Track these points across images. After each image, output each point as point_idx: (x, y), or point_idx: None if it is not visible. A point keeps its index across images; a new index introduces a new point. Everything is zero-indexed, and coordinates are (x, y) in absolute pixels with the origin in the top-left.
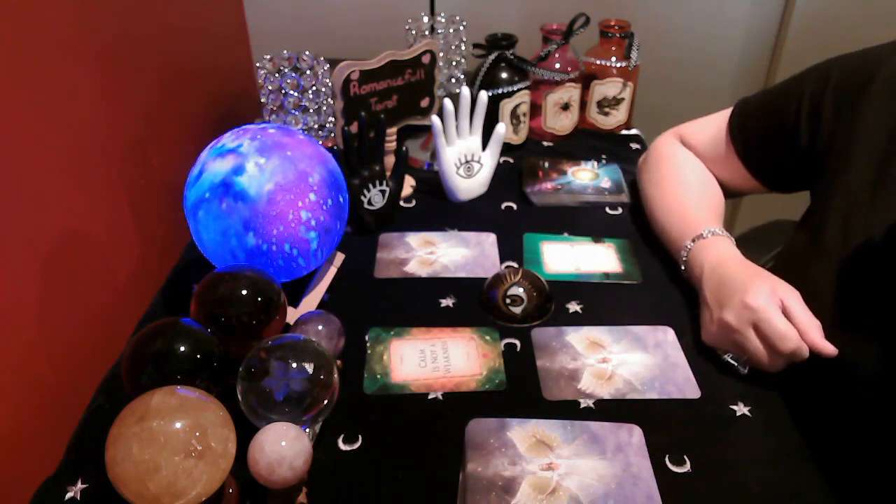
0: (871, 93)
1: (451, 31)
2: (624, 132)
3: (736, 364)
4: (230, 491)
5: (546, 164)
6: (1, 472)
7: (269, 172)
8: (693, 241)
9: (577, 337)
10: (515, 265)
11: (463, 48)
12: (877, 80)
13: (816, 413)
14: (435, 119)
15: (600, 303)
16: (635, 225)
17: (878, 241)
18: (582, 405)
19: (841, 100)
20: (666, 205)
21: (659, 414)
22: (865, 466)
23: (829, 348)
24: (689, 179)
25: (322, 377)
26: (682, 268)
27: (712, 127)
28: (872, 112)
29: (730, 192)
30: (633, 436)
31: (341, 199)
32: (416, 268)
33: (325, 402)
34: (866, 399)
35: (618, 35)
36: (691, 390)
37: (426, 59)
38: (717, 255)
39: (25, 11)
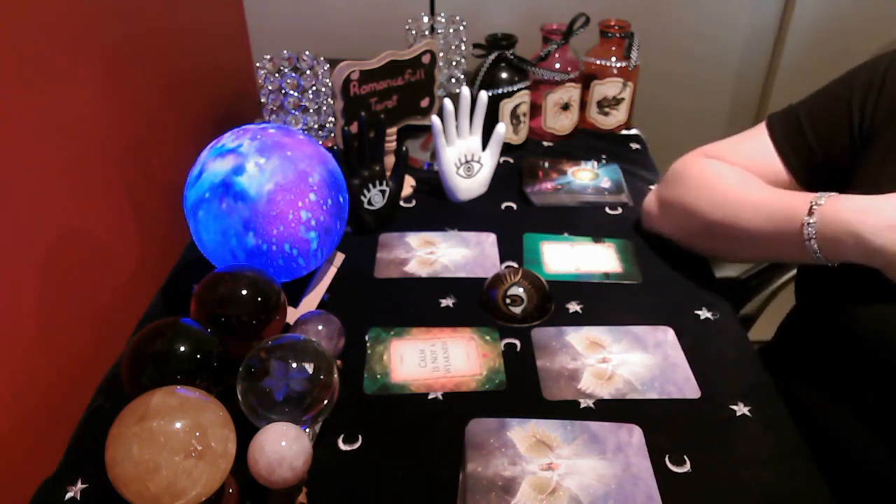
0: None
1: (451, 31)
2: (624, 132)
3: None
4: (230, 491)
5: (546, 164)
6: (1, 472)
7: (269, 172)
8: (810, 214)
9: (577, 337)
10: (515, 265)
11: (463, 48)
12: None
13: (817, 413)
14: (435, 119)
15: (600, 303)
16: (635, 225)
17: None
18: (582, 405)
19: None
20: (736, 201)
21: (659, 414)
22: (865, 467)
23: None
24: (748, 178)
25: (322, 377)
26: (817, 252)
27: (749, 144)
28: None
29: None
30: (633, 436)
31: (341, 199)
32: (416, 268)
33: (325, 402)
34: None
35: (618, 35)
36: (691, 390)
37: (426, 59)
38: (860, 207)
39: (26, 12)
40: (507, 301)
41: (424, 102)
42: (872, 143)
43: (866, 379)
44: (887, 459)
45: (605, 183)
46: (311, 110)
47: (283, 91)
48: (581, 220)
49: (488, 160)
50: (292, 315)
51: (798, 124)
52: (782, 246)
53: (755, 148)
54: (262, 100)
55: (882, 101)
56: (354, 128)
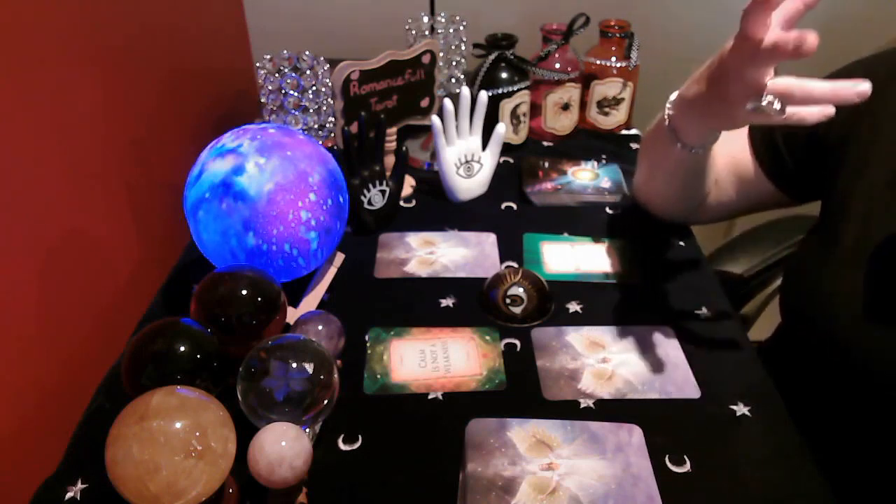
0: (892, 91)
1: (451, 31)
2: (624, 132)
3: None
4: (230, 491)
5: (546, 164)
6: (1, 472)
7: (269, 172)
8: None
9: (577, 337)
10: (515, 265)
11: (463, 48)
12: None
13: (816, 413)
14: (435, 119)
15: (600, 303)
16: (635, 225)
17: None
18: (582, 405)
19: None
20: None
21: (659, 414)
22: (865, 466)
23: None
24: None
25: (322, 377)
26: (667, 121)
27: (730, 143)
28: (893, 109)
29: (748, 208)
30: (633, 436)
31: (341, 199)
32: (416, 268)
33: (325, 402)
34: (880, 399)
35: (618, 35)
36: (691, 390)
37: (426, 59)
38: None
39: (25, 11)
40: (507, 301)
41: (424, 102)
42: (843, 153)
43: (860, 383)
44: (887, 459)
45: (605, 183)
46: (311, 110)
47: (283, 91)
48: (581, 220)
49: (488, 160)
50: (292, 315)
51: (770, 127)
52: (660, 141)
53: (735, 146)
54: (262, 100)
55: (845, 113)
56: (354, 128)
